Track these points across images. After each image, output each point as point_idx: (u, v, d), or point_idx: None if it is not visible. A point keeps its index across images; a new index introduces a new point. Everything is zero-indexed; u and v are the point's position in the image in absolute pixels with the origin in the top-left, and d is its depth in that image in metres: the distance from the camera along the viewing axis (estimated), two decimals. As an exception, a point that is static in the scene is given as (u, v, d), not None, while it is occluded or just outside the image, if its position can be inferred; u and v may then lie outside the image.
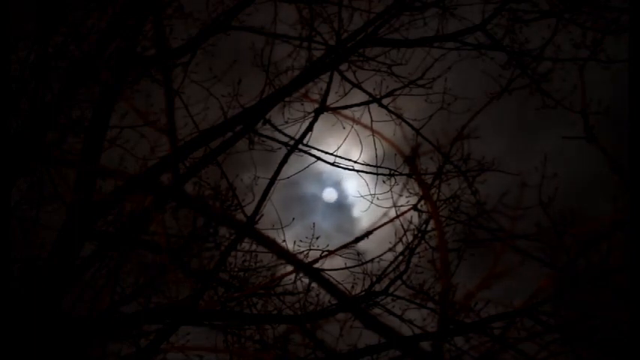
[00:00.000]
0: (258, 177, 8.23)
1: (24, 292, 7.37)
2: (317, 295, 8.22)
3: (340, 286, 8.17)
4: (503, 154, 9.06)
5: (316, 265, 8.16)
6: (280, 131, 8.36)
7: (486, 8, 8.62)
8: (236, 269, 8.32)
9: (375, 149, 8.48)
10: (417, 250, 8.27)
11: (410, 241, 8.25)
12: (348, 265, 8.12)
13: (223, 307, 8.02)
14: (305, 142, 8.28)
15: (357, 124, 8.59)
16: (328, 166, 8.38)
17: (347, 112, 8.62)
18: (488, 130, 9.21)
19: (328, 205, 9.56)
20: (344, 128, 8.53)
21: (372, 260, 8.14)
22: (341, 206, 9.55)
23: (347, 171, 8.46)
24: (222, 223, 8.52)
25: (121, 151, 8.40)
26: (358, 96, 8.62)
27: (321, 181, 9.46)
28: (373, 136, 8.54)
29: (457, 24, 8.71)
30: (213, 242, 8.49)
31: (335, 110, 8.53)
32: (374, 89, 8.63)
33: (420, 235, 8.31)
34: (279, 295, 8.18)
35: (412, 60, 8.69)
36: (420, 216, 8.46)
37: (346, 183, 9.69)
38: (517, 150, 9.48)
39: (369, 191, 8.51)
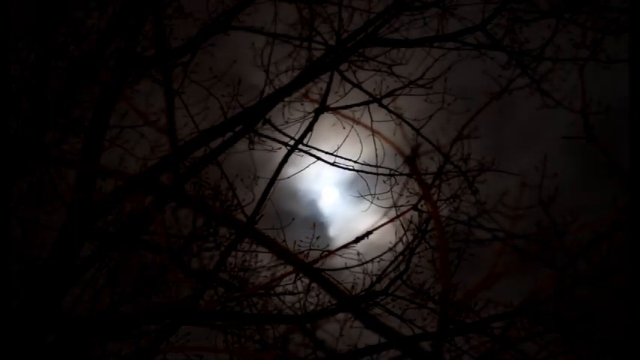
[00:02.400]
0: (258, 177, 8.25)
1: (24, 291, 7.37)
2: (317, 295, 8.22)
3: (340, 286, 8.17)
4: (504, 154, 9.07)
5: (316, 265, 8.16)
6: (280, 131, 8.35)
7: (486, 8, 8.64)
8: (236, 269, 8.33)
9: (375, 149, 8.48)
10: (417, 250, 8.27)
11: (410, 241, 8.25)
12: (348, 265, 8.13)
13: (223, 307, 8.02)
14: (305, 142, 8.28)
15: (357, 124, 8.59)
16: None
17: (347, 112, 8.62)
18: (489, 130, 9.22)
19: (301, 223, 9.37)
20: (344, 128, 8.53)
21: (372, 260, 8.13)
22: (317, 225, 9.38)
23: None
24: (222, 223, 8.52)
25: (121, 151, 8.41)
26: (358, 96, 8.63)
27: (297, 199, 9.39)
28: (373, 136, 8.53)
29: (457, 24, 8.72)
30: (213, 242, 8.50)
31: (335, 110, 8.52)
32: (374, 89, 8.64)
33: (420, 235, 8.31)
34: (279, 295, 8.18)
35: (412, 60, 8.70)
36: (420, 216, 8.45)
37: (321, 201, 9.65)
38: (517, 150, 9.49)
39: (369, 191, 8.52)
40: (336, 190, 9.61)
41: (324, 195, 9.72)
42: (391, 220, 8.42)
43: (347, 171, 8.40)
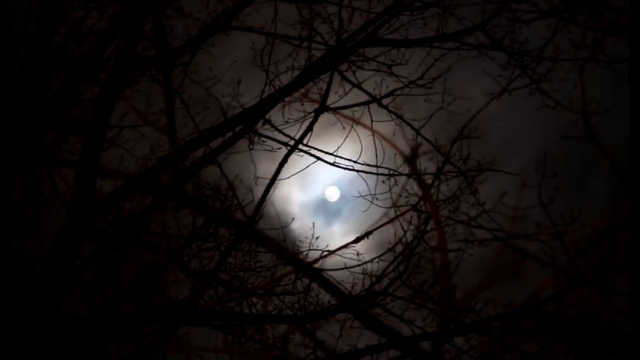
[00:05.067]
0: (258, 177, 8.25)
1: (24, 292, 7.37)
2: (317, 295, 8.23)
3: (340, 286, 8.18)
4: (503, 154, 9.07)
5: (316, 265, 8.17)
6: (280, 131, 8.35)
7: (486, 8, 8.64)
8: (236, 269, 8.33)
9: (375, 149, 8.48)
10: (417, 250, 8.28)
11: (410, 241, 8.25)
12: (348, 265, 8.13)
13: (223, 307, 8.03)
14: (305, 142, 8.28)
15: (357, 124, 8.59)
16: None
17: (347, 112, 8.62)
18: (488, 130, 9.22)
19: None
20: (344, 128, 8.53)
21: (372, 260, 8.14)
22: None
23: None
24: (222, 223, 8.52)
25: (121, 151, 8.43)
26: (358, 96, 8.63)
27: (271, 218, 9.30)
28: (373, 136, 8.53)
29: (457, 24, 8.71)
30: (213, 242, 8.50)
31: (335, 110, 8.52)
32: (374, 89, 8.64)
33: (419, 235, 8.31)
34: (279, 295, 8.18)
35: (412, 60, 8.70)
36: (419, 216, 8.45)
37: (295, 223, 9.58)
38: (516, 149, 9.49)
39: (369, 191, 8.51)
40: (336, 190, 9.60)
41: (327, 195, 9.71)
42: (391, 221, 8.43)
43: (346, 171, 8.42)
